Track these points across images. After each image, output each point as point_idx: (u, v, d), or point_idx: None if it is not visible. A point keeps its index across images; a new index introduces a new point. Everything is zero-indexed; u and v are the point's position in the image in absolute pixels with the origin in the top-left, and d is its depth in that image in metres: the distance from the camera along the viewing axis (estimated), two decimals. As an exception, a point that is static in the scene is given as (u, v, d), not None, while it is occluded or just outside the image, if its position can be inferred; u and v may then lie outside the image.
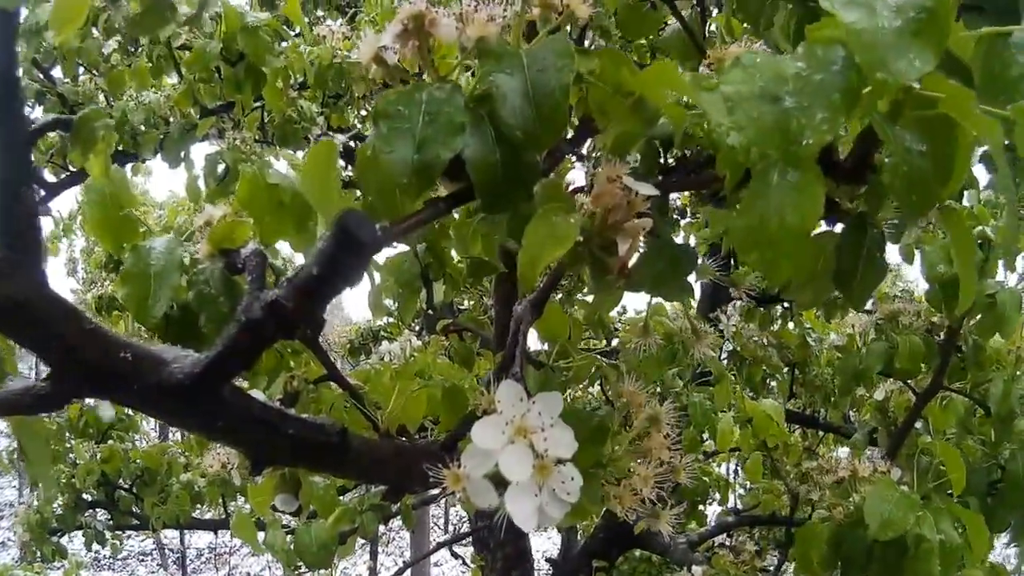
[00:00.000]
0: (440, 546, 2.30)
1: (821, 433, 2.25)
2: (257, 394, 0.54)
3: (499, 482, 0.34)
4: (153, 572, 6.68)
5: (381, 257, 1.51)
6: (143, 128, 1.64)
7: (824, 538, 0.96)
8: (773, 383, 2.17)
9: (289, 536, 1.17)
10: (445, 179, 0.38)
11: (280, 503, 0.65)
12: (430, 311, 1.62)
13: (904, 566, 0.86)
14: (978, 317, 1.22)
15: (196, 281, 0.51)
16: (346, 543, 1.17)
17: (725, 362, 1.95)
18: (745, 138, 0.30)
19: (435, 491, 0.40)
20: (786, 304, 2.26)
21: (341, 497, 1.28)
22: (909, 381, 1.46)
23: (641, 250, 0.38)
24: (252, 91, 1.45)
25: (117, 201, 0.71)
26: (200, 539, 6.72)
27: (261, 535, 1.23)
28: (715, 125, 0.31)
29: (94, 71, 1.92)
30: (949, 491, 1.11)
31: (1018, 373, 1.27)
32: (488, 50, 0.36)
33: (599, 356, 0.86)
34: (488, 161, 0.35)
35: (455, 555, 2.80)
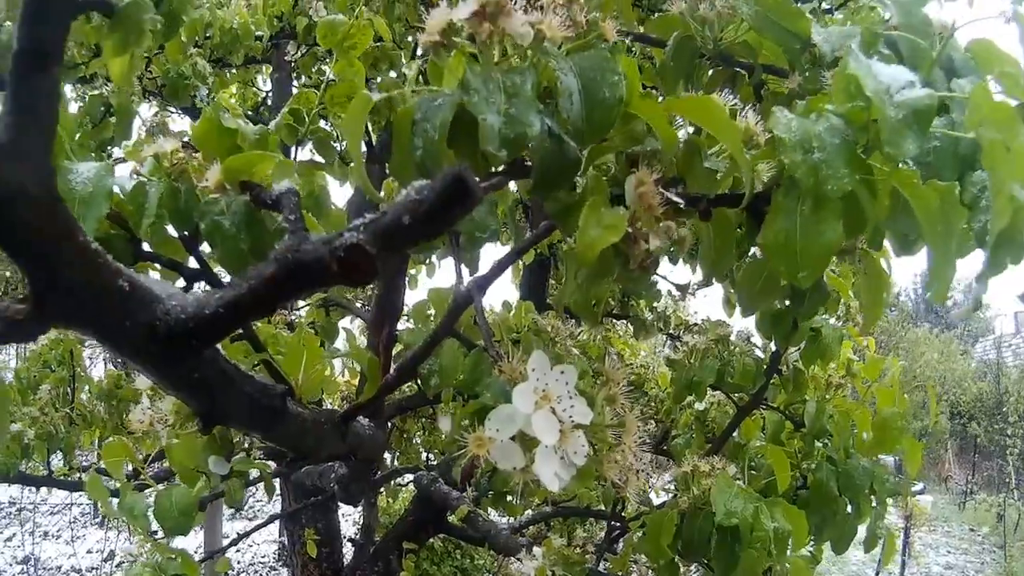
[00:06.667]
0: (262, 525, 2.22)
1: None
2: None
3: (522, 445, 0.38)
4: (-42, 524, 6.12)
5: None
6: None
7: (672, 525, 1.07)
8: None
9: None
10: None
11: (213, 465, 0.62)
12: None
13: (741, 550, 0.99)
14: (802, 346, 1.42)
15: (208, 213, 0.47)
16: (204, 509, 1.13)
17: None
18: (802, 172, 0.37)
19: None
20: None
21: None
22: (734, 396, 1.65)
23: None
24: (163, 38, 1.35)
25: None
26: (2, 494, 6.23)
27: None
28: (787, 160, 0.38)
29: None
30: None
31: (827, 396, 1.49)
32: (550, 51, 0.40)
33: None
34: (545, 147, 0.39)
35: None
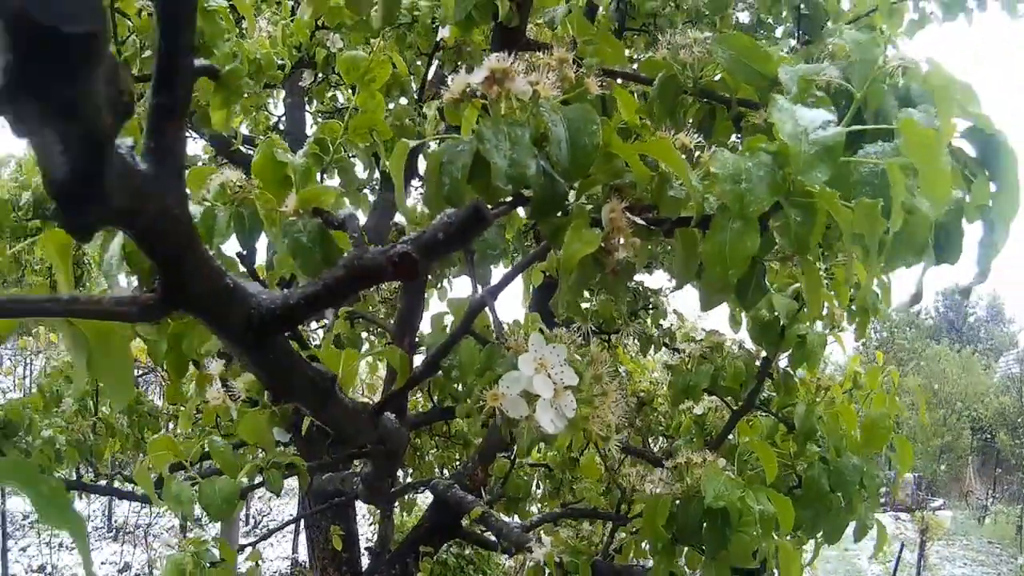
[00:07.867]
0: (287, 524, 2.35)
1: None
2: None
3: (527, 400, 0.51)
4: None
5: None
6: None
7: (667, 509, 1.19)
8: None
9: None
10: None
11: (278, 435, 0.76)
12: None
13: (731, 533, 1.11)
14: (790, 351, 1.53)
15: (289, 232, 0.62)
16: (244, 498, 1.26)
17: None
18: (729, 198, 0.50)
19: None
20: (604, 337, 2.66)
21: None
22: (728, 399, 1.77)
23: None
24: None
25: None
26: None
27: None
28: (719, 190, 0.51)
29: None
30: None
31: (816, 399, 1.60)
32: (544, 107, 0.53)
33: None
34: (540, 183, 0.52)
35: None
